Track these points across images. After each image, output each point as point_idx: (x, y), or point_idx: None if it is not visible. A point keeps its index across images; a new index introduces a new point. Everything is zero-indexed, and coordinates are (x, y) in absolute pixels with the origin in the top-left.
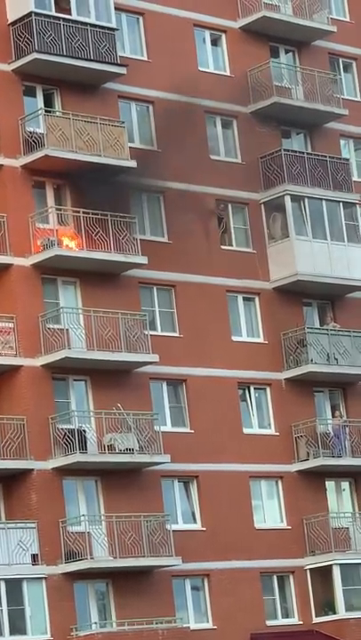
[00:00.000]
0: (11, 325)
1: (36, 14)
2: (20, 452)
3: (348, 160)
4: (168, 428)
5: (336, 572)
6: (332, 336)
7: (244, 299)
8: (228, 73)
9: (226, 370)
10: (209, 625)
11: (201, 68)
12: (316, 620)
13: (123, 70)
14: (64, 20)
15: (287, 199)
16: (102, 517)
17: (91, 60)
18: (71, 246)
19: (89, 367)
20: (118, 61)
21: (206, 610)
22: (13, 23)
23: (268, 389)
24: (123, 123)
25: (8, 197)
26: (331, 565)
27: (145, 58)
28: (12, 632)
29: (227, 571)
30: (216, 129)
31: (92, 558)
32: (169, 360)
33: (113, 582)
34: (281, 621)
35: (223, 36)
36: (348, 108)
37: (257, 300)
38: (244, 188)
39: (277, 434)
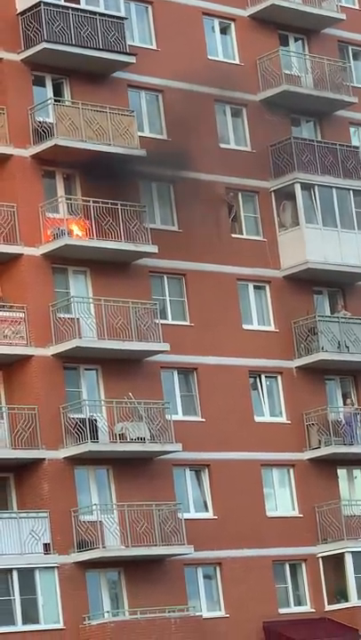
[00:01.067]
0: (21, 315)
1: (45, 4)
2: (31, 441)
3: (358, 148)
4: (179, 416)
5: (348, 560)
6: (343, 324)
7: (255, 287)
8: (237, 61)
9: (237, 358)
10: (221, 613)
11: (210, 57)
12: (328, 607)
13: (132, 59)
14: (73, 9)
15: (297, 187)
16: (114, 506)
17: (100, 50)
18: (81, 236)
19: (100, 356)
20: (127, 50)
21: (219, 598)
22: (22, 13)
23: (279, 378)
24: (132, 112)
25: (18, 187)
26: (343, 553)
27: (154, 47)
28: (25, 621)
29: (239, 559)
30: (226, 117)
31: (104, 547)
32: (180, 349)
33: (125, 571)
34: (293, 609)
35: (232, 25)
36: (357, 95)
37: (268, 288)
38: (255, 176)
39: (289, 422)
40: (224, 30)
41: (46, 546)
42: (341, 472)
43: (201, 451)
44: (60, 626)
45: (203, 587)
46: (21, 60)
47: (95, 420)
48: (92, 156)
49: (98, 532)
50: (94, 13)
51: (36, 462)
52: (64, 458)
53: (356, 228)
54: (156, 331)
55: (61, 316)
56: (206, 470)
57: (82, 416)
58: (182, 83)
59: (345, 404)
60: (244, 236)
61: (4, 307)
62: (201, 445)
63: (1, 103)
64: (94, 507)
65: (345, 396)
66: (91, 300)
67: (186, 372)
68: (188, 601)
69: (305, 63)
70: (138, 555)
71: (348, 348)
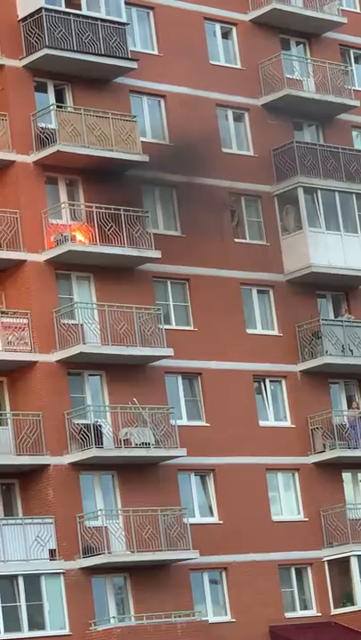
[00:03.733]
0: (25, 321)
1: (47, 10)
2: (36, 447)
3: (360, 151)
4: (184, 421)
5: (354, 564)
6: (347, 327)
7: (259, 291)
8: (239, 66)
9: (241, 363)
10: (228, 618)
11: (212, 62)
12: (334, 611)
13: (134, 65)
14: (74, 15)
15: (300, 191)
16: (119, 512)
17: (101, 55)
18: (84, 241)
19: (104, 362)
20: (129, 56)
21: (225, 603)
22: (24, 19)
23: (283, 382)
24: (134, 117)
25: (21, 193)
26: (349, 557)
27: (156, 52)
28: (31, 627)
29: (244, 563)
30: (228, 122)
31: (109, 553)
32: (184, 354)
33: (131, 576)
34: (299, 613)
35: (234, 29)
36: (359, 99)
37: (271, 292)
38: (257, 180)
39: (293, 426)
40: (226, 35)
41: (52, 552)
42: (346, 476)
43: (206, 455)
44: (67, 632)
45: (209, 591)
46: (23, 67)
47: (100, 426)
48: (95, 162)
49: (103, 538)
50: (96, 19)
51: (41, 468)
52: (69, 464)
53: (359, 231)
54: (159, 336)
55: (65, 321)
56: (211, 475)
57: (86, 422)
58: (184, 88)
59: (350, 407)
60: (248, 241)
61: (7, 313)
62: (206, 450)
63: (3, 109)
64: (99, 512)
65: (350, 400)
66: (94, 306)
67: (190, 376)
68: (195, 606)
69: (307, 67)
70: (143, 560)
71: (352, 351)
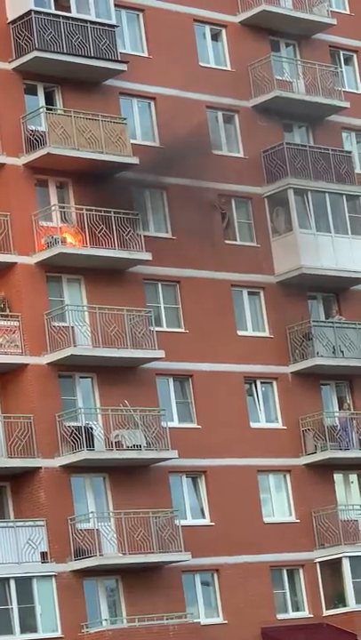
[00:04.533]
0: (16, 324)
1: (36, 12)
2: (27, 450)
3: (350, 153)
4: (175, 423)
5: (346, 565)
6: (338, 329)
7: (249, 293)
8: (228, 68)
9: (232, 364)
10: (220, 620)
11: (202, 64)
12: (326, 612)
13: (123, 67)
14: (64, 17)
15: (290, 193)
16: (111, 514)
17: (91, 58)
18: (75, 244)
19: (95, 364)
20: (119, 58)
21: (217, 605)
22: (13, 22)
23: (274, 383)
24: (124, 119)
25: (11, 196)
26: (340, 558)
27: (145, 54)
28: (23, 630)
29: (236, 565)
30: (218, 124)
31: (101, 555)
32: (175, 356)
33: (123, 579)
34: (291, 615)
35: (223, 31)
36: (349, 100)
37: (262, 294)
38: (247, 182)
39: (285, 427)
40: (215, 37)
41: (43, 554)
42: (338, 477)
43: (197, 457)
44: (59, 634)
45: (201, 593)
46: (13, 69)
47: (91, 428)
48: (85, 164)
49: (95, 540)
50: (85, 21)
51: (33, 471)
52: (60, 466)
53: (349, 232)
54: (150, 338)
55: (56, 324)
56: (203, 477)
57: (78, 424)
58: (174, 90)
59: (341, 408)
60: (238, 243)
61: None
62: (197, 452)
63: None
64: (91, 515)
65: (341, 401)
66: (85, 308)
67: (181, 378)
68: (186, 608)
69: (297, 68)
70: (135, 562)
71: (342, 352)
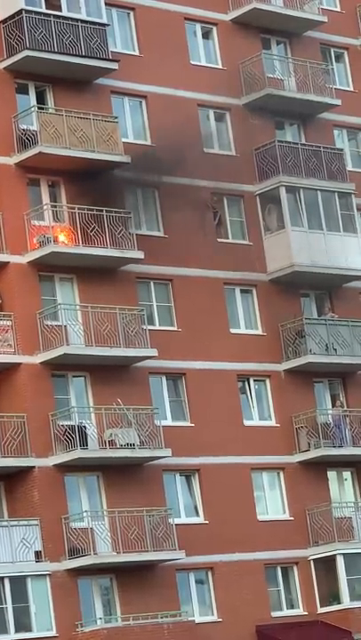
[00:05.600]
0: (9, 323)
1: (27, 11)
2: (20, 449)
3: (342, 150)
4: (168, 422)
5: (340, 562)
6: (331, 326)
7: (242, 291)
8: (220, 66)
9: (225, 362)
10: (214, 618)
11: (193, 62)
12: (321, 610)
13: (114, 66)
14: (55, 16)
15: (282, 190)
16: (105, 513)
17: (82, 57)
18: (67, 243)
19: (88, 363)
20: (110, 57)
21: (211, 603)
22: (4, 21)
23: (267, 381)
24: (116, 118)
25: (3, 195)
26: (334, 555)
27: (136, 53)
28: (18, 629)
29: (230, 563)
30: (209, 122)
31: (95, 554)
32: (168, 354)
33: (117, 577)
34: (286, 612)
35: (214, 29)
36: (340, 97)
37: (254, 291)
38: (239, 180)
39: (278, 425)
40: (206, 35)
41: (38, 553)
42: (331, 474)
43: (191, 456)
44: (53, 633)
45: (195, 592)
46: (4, 68)
47: (84, 427)
48: (76, 163)
49: (89, 539)
50: (76, 20)
51: (26, 470)
52: (54, 465)
53: (341, 230)
54: (143, 336)
55: (49, 323)
56: (196, 475)
57: (71, 423)
58: (165, 88)
59: (334, 406)
60: (230, 241)
61: None
62: (191, 450)
63: None
64: (85, 514)
65: (334, 399)
66: (78, 307)
67: (174, 377)
68: (181, 606)
69: (288, 66)
70: (129, 561)
71: (335, 350)
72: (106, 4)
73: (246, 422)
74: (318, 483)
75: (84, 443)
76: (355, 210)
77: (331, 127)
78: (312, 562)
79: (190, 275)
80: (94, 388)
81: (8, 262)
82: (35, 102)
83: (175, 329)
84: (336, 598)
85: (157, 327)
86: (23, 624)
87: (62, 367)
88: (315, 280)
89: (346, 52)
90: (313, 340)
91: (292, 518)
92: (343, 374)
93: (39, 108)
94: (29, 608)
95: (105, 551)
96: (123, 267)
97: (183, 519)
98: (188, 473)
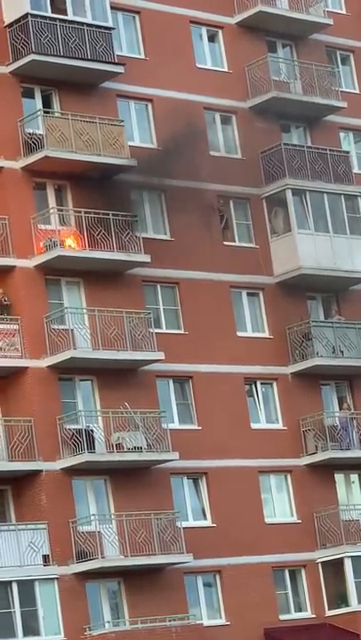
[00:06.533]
0: (16, 327)
1: (33, 15)
2: (28, 453)
3: (348, 152)
4: (176, 425)
5: (348, 565)
6: (338, 329)
7: (248, 294)
8: (225, 69)
9: (232, 365)
10: (222, 621)
11: (199, 65)
12: (329, 613)
13: (120, 69)
14: (60, 20)
15: (288, 193)
16: (112, 516)
17: (88, 60)
18: (74, 246)
19: (95, 367)
20: (116, 60)
21: (219, 606)
22: (10, 25)
23: (274, 384)
24: (122, 121)
25: (9, 199)
26: (342, 558)
27: (142, 56)
28: (26, 633)
29: (238, 566)
30: (215, 125)
31: (103, 557)
32: (175, 357)
33: (125, 581)
34: (294, 615)
35: (220, 32)
36: (346, 100)
37: (261, 295)
38: (245, 183)
39: (285, 428)
40: (212, 38)
41: (45, 557)
42: (339, 477)
43: (198, 459)
44: (61, 637)
45: (203, 595)
46: (10, 73)
47: (92, 431)
48: (83, 167)
49: (97, 543)
50: (82, 24)
51: (34, 474)
52: (61, 469)
53: (348, 232)
54: (150, 340)
55: (55, 327)
56: (204, 478)
57: (78, 427)
58: (171, 91)
59: (341, 408)
60: (237, 244)
61: None
62: (198, 453)
63: None
64: (92, 517)
65: (341, 401)
66: (84, 311)
67: (181, 380)
68: (189, 609)
69: (293, 69)
70: (137, 564)
71: (342, 352)
72: (111, 7)
73: (253, 425)
74: (326, 485)
75: (91, 446)
76: None
77: (337, 130)
78: (320, 564)
79: (197, 278)
80: (101, 391)
81: (15, 266)
82: (41, 106)
83: (182, 332)
84: (344, 601)
85: (164, 330)
86: (31, 628)
87: (69, 371)
88: (321, 283)
89: (352, 55)
90: (320, 343)
91: (299, 521)
92: (350, 377)
93: (45, 111)
94: (37, 612)
95: (113, 555)
96: (129, 270)
97: (191, 522)
98: (195, 476)
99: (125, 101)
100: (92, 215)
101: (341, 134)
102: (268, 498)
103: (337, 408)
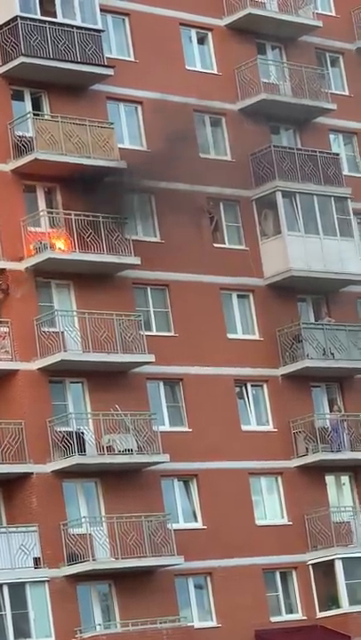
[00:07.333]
0: (6, 330)
1: (22, 18)
2: (18, 455)
3: (338, 155)
4: (166, 427)
5: (339, 567)
6: (328, 331)
7: (239, 296)
8: (215, 71)
9: (222, 368)
10: (213, 623)
11: (188, 67)
12: (320, 614)
13: (110, 71)
14: (50, 22)
15: (278, 195)
16: (103, 519)
17: (78, 63)
18: (64, 249)
19: (85, 369)
20: (105, 63)
21: (210, 608)
22: None
23: (265, 386)
24: (112, 124)
25: None
26: (333, 560)
27: (132, 58)
28: (17, 636)
29: (229, 568)
30: (205, 127)
31: (94, 560)
32: (165, 360)
33: (116, 583)
34: (285, 617)
35: (210, 35)
36: (336, 102)
37: (251, 297)
38: (235, 185)
39: (276, 430)
40: (201, 40)
41: (36, 560)
42: (329, 479)
43: (189, 461)
44: None
45: (194, 597)
46: None
47: (82, 433)
48: (72, 169)
49: (88, 545)
50: (71, 26)
51: (24, 477)
52: (52, 471)
53: (338, 234)
54: (140, 342)
55: (46, 329)
56: (194, 480)
57: (69, 429)
58: (161, 93)
59: (331, 410)
60: (227, 246)
61: None
62: (188, 455)
63: None
64: (83, 519)
65: (331, 403)
66: (75, 314)
67: (172, 382)
68: (180, 611)
69: (283, 71)
70: (128, 566)
71: (333, 354)
72: (101, 9)
73: (244, 427)
74: (316, 487)
75: (82, 449)
76: (351, 214)
77: (327, 132)
78: (311, 566)
79: (187, 280)
80: (92, 393)
81: (4, 269)
82: (30, 109)
83: (172, 334)
84: (335, 603)
85: (154, 333)
86: (22, 630)
87: (60, 373)
88: (312, 285)
89: (341, 57)
90: (310, 345)
91: (290, 523)
92: (341, 379)
93: (35, 114)
94: (28, 614)
95: (104, 557)
96: (119, 272)
97: (181, 524)
98: (186, 478)
99: (115, 104)
100: (82, 217)
101: (331, 136)
102: (258, 500)
103: (327, 410)
